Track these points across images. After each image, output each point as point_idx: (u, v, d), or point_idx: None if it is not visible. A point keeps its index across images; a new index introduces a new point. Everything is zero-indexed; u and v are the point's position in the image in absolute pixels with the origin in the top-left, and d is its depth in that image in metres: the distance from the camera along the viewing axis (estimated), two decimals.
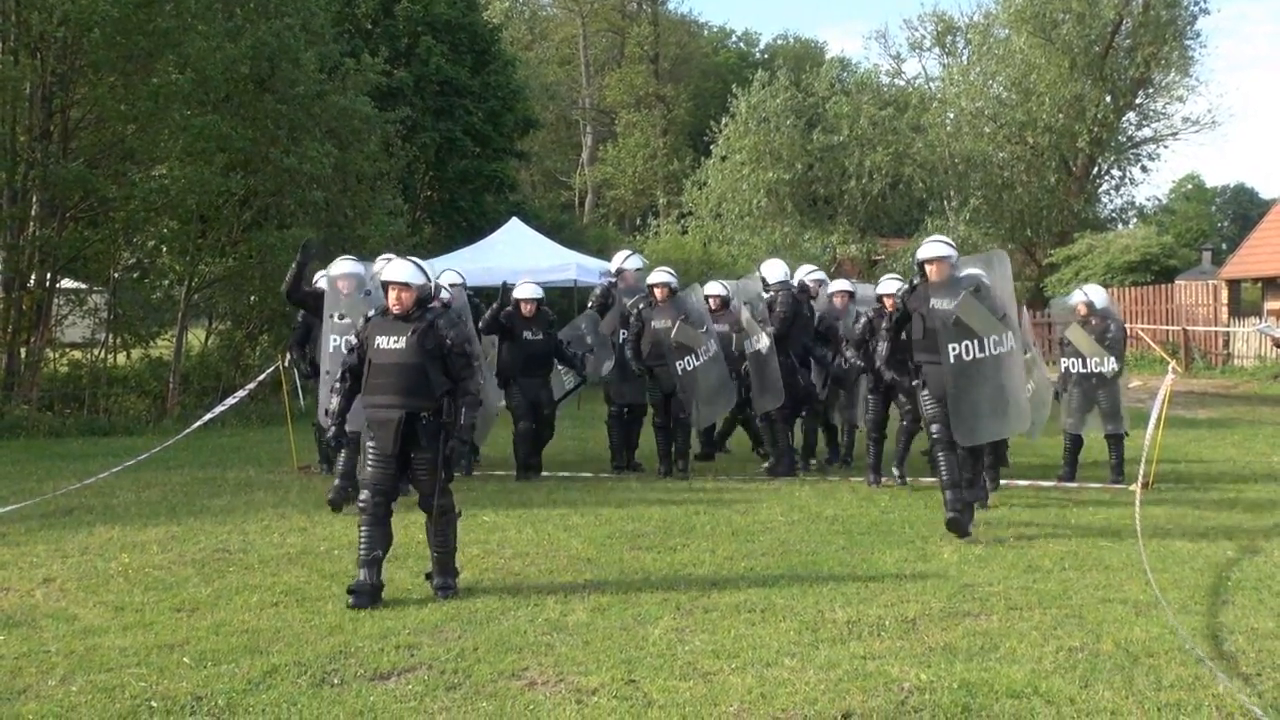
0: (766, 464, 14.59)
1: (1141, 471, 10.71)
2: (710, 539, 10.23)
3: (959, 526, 10.06)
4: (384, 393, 8.20)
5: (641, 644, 7.04)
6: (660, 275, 14.34)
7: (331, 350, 11.70)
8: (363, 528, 8.18)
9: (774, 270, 14.78)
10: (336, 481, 11.88)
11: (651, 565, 9.19)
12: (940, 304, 10.25)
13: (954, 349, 10.05)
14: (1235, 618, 7.63)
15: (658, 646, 6.99)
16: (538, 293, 14.10)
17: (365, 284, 11.85)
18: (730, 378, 14.33)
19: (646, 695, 6.11)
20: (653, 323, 14.02)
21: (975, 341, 10.02)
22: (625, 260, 15.49)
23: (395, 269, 8.35)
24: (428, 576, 8.42)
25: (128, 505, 11.94)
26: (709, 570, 9.03)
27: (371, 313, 8.53)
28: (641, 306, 14.17)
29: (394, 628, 7.40)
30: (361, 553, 8.14)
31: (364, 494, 8.26)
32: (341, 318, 11.79)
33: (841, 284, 15.90)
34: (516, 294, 13.94)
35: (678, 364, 13.85)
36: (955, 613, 7.70)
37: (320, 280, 12.90)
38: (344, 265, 12.18)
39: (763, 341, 13.99)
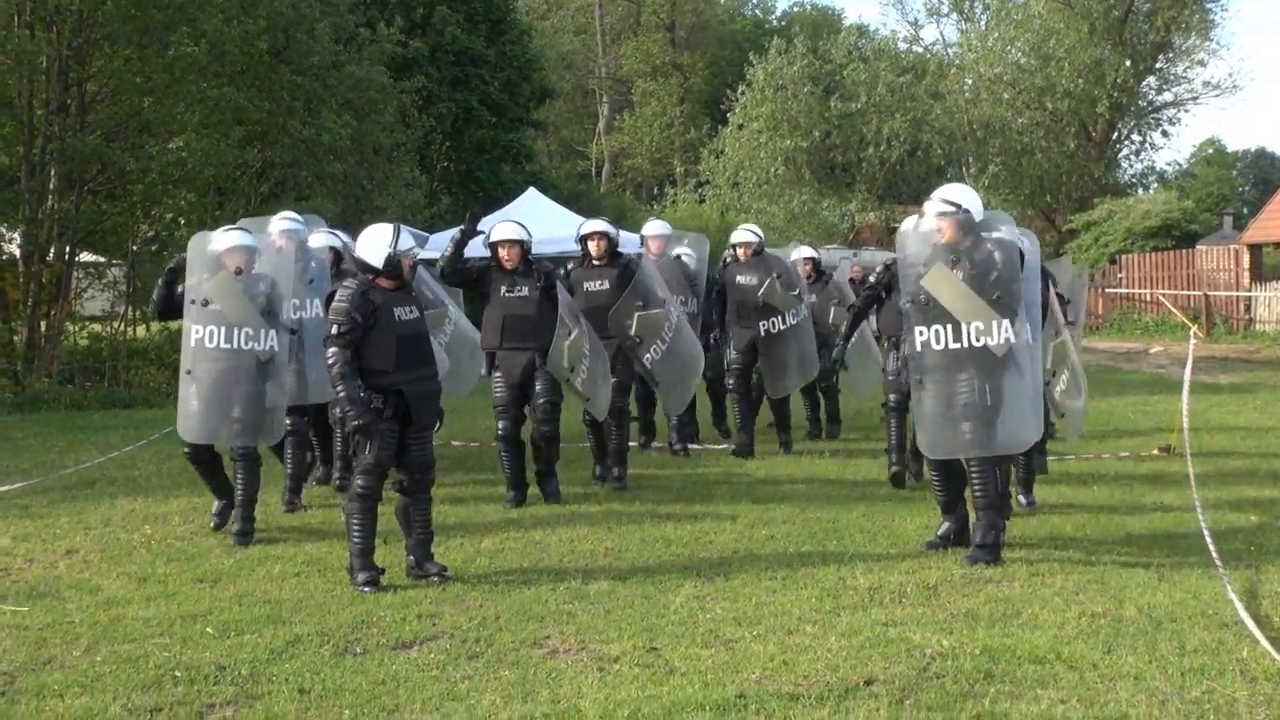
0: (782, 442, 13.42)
1: (1186, 438, 10.56)
2: (731, 507, 10.21)
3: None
4: (423, 364, 7.97)
5: (663, 612, 7.05)
6: (596, 224, 11.74)
7: (194, 344, 9.18)
8: (362, 516, 7.71)
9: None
10: (336, 478, 11.19)
11: (672, 533, 9.19)
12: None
13: (921, 333, 8.16)
14: (1259, 583, 7.60)
15: (679, 614, 7.00)
16: (520, 234, 10.47)
17: (254, 260, 9.33)
18: (696, 341, 12.23)
19: (668, 663, 6.12)
20: (585, 284, 11.33)
21: (949, 327, 8.04)
22: (653, 229, 13.46)
23: (408, 238, 8.08)
24: (416, 571, 7.91)
25: (149, 477, 11.98)
26: (730, 538, 9.03)
27: (352, 284, 7.83)
28: (570, 266, 11.55)
29: (416, 597, 7.42)
30: (361, 544, 7.72)
31: (367, 479, 7.76)
32: (206, 304, 9.11)
33: (805, 251, 15.03)
34: (494, 236, 10.49)
35: (645, 357, 11.38)
36: (977, 579, 7.68)
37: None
38: (233, 237, 9.29)
39: (801, 314, 12.99)
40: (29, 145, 19.84)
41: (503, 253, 10.39)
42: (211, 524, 9.55)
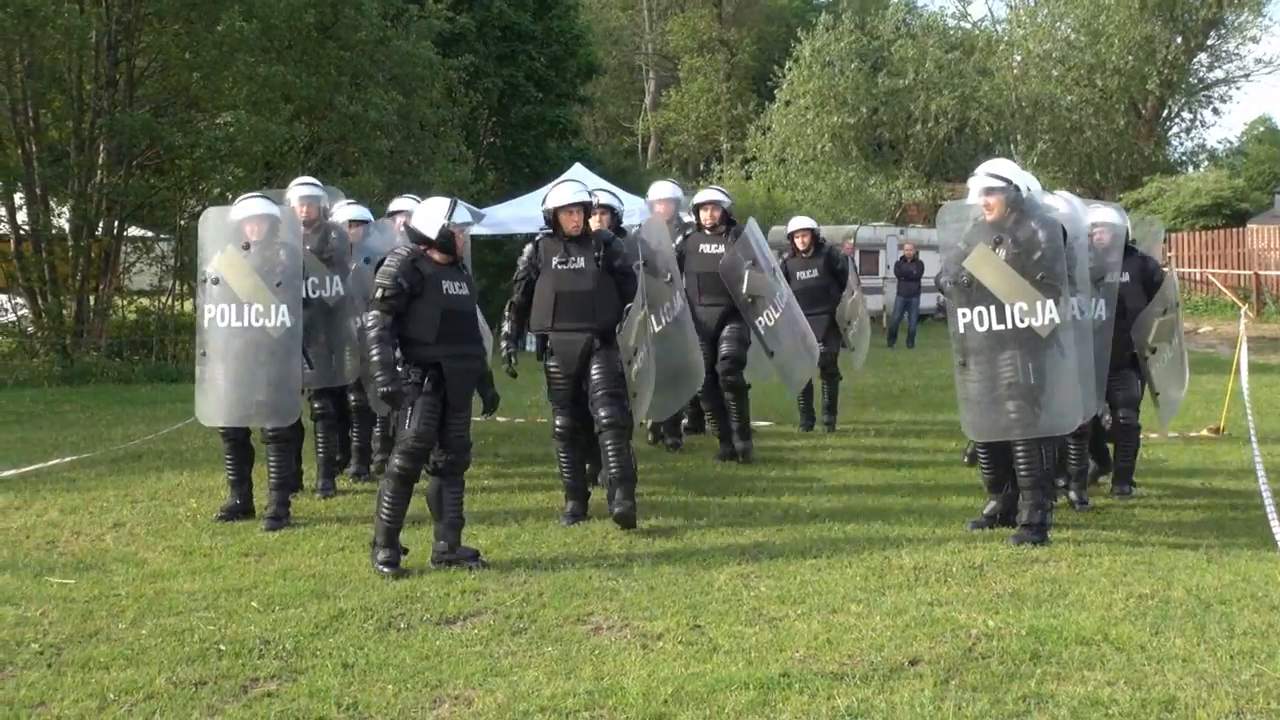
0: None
1: (1251, 421, 10.39)
2: (775, 484, 10.18)
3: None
4: (469, 341, 7.82)
5: (706, 589, 7.03)
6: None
7: (207, 324, 8.86)
8: (394, 496, 7.55)
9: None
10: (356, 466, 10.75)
11: (716, 511, 9.16)
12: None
13: (964, 315, 8.13)
14: None
15: (723, 592, 6.97)
16: (579, 195, 8.98)
17: (277, 229, 8.91)
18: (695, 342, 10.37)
19: (712, 640, 6.09)
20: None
21: (992, 308, 7.99)
22: (659, 191, 11.94)
23: (463, 212, 7.98)
24: (448, 556, 7.62)
25: (195, 451, 12.03)
26: (774, 516, 8.99)
27: (403, 250, 7.67)
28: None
29: (459, 573, 7.41)
30: (390, 524, 7.56)
31: (406, 460, 7.56)
32: (216, 282, 8.80)
33: (802, 221, 13.93)
34: (550, 202, 9.02)
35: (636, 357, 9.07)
36: (1023, 559, 7.63)
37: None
38: (253, 205, 8.94)
39: (785, 294, 11.32)
40: (78, 120, 20.00)
41: (566, 219, 8.88)
42: (215, 516, 9.14)
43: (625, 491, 8.65)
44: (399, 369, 7.49)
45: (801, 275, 13.16)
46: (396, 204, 10.83)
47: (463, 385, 7.77)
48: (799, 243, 13.50)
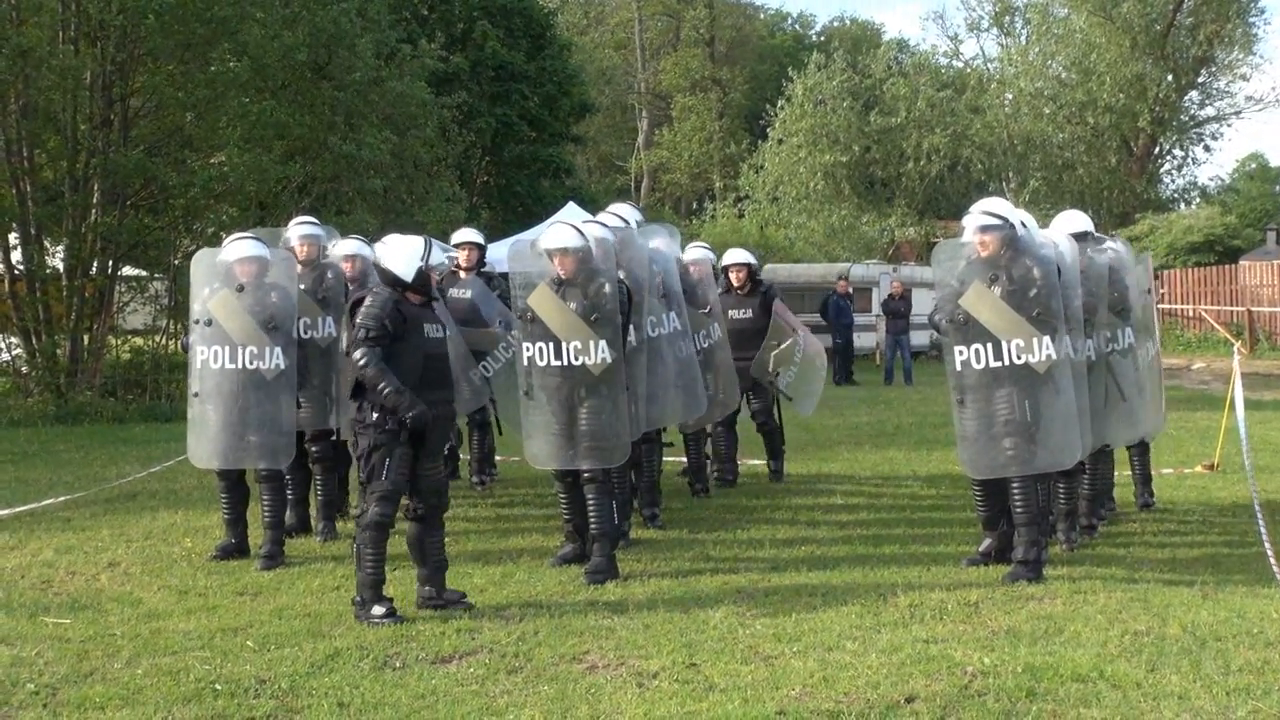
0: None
1: (1248, 458, 10.40)
2: (770, 522, 10.17)
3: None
4: (442, 387, 7.70)
5: (702, 627, 7.02)
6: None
7: (200, 365, 8.83)
8: (376, 546, 7.31)
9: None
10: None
11: (711, 549, 9.16)
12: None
13: (961, 353, 8.14)
14: None
15: (718, 630, 6.96)
16: (571, 239, 8.29)
17: (266, 270, 8.91)
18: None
19: (708, 679, 6.09)
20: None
21: (989, 346, 8.01)
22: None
23: (437, 253, 7.80)
24: (435, 602, 7.51)
25: (190, 490, 12.01)
26: (769, 553, 8.99)
27: (384, 291, 7.44)
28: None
29: (455, 611, 7.40)
30: (375, 575, 7.32)
31: (384, 506, 7.32)
32: (209, 324, 8.79)
33: (739, 255, 12.45)
34: (545, 243, 8.39)
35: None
36: (1018, 596, 7.62)
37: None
38: (244, 247, 8.88)
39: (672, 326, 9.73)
40: (73, 160, 20.02)
41: (556, 262, 8.26)
42: (210, 555, 9.08)
43: (601, 549, 8.32)
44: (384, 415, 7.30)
45: (734, 315, 11.90)
46: (343, 247, 10.30)
47: (440, 432, 7.68)
48: (734, 278, 12.19)
